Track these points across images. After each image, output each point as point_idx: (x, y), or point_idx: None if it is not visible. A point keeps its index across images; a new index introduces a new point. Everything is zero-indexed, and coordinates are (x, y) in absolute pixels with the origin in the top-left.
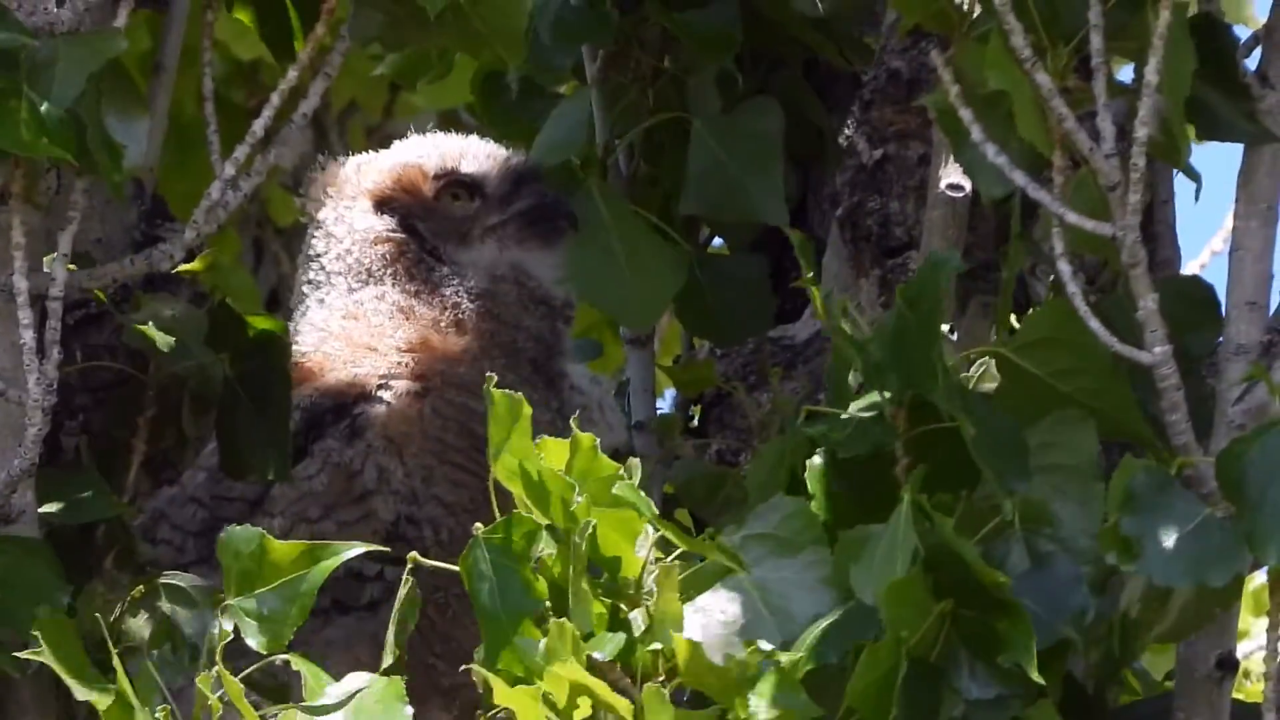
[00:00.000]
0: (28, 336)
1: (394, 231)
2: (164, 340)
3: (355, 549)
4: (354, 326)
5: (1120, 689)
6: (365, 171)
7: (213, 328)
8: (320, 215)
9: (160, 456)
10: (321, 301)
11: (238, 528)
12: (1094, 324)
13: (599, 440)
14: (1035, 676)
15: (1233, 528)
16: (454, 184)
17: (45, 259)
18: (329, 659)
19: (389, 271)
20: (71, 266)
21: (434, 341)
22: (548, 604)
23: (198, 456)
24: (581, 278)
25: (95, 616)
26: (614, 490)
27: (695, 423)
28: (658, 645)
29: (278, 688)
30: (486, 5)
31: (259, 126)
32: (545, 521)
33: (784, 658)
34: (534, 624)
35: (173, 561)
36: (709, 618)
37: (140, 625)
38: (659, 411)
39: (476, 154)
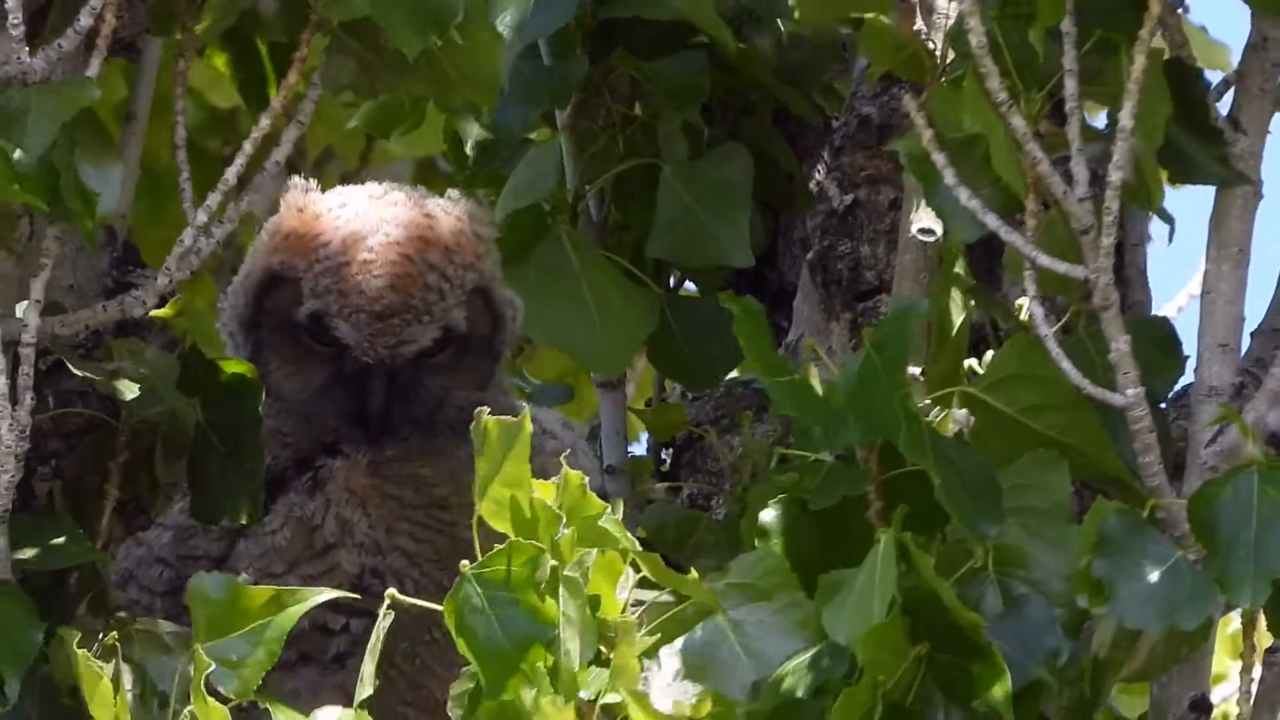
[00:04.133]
0: (0, 382)
1: None
2: (129, 390)
3: (323, 595)
4: None
5: None
6: None
7: (184, 373)
8: None
9: (133, 502)
10: None
11: (206, 575)
12: (1066, 365)
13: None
14: (1009, 719)
15: (1204, 570)
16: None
17: (17, 306)
18: (301, 711)
19: None
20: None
21: None
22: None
23: (170, 502)
24: (550, 324)
25: (68, 662)
26: (601, 522)
27: (667, 466)
28: (615, 697)
29: None
30: (459, 52)
31: (232, 174)
32: (544, 547)
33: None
34: (544, 649)
35: None
36: (686, 658)
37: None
38: (631, 455)
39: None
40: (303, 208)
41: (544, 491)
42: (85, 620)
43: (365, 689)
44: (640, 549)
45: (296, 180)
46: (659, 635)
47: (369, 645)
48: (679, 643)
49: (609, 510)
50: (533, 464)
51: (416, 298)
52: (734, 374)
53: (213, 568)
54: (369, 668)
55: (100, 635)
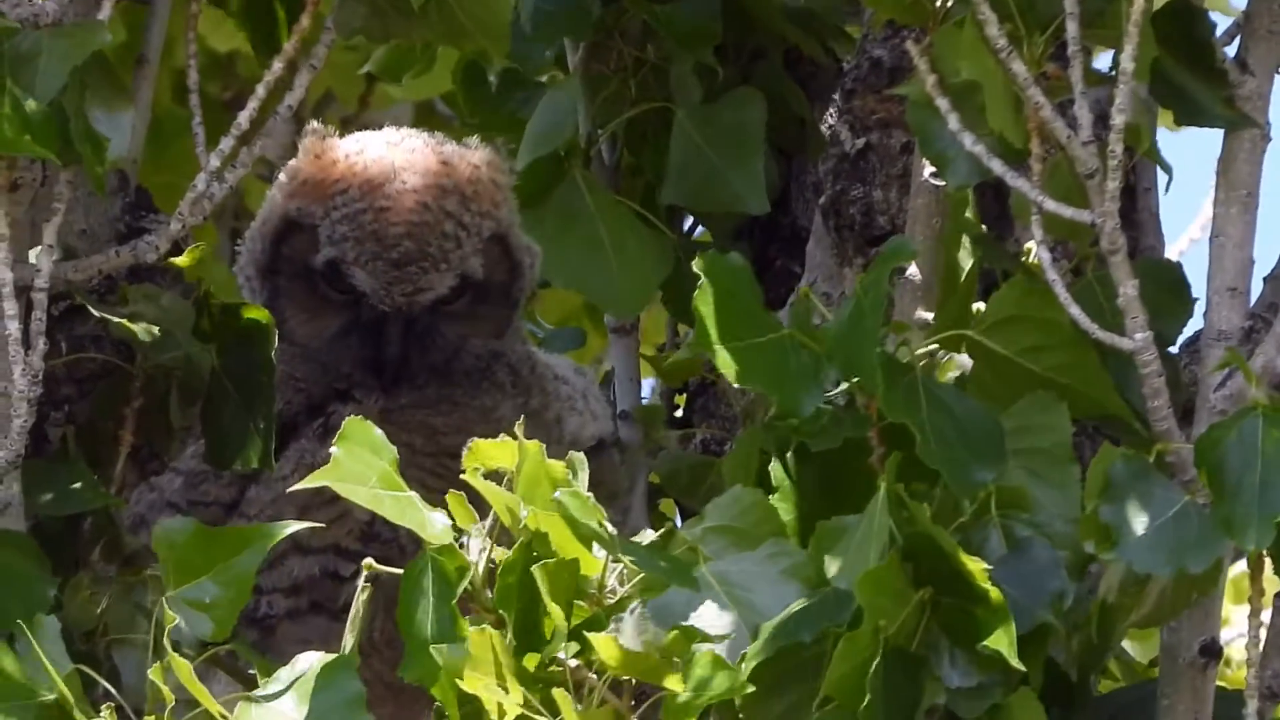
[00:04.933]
0: (13, 328)
1: None
2: (146, 332)
3: (289, 527)
4: None
5: (1103, 676)
6: None
7: (199, 318)
8: None
9: (147, 447)
10: None
11: (170, 519)
12: (1074, 310)
13: (585, 429)
14: (1015, 663)
15: (1211, 514)
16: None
17: (30, 251)
18: None
19: None
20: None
21: None
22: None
23: (184, 447)
24: (568, 266)
25: (82, 607)
26: (557, 498)
27: (680, 412)
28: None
29: (242, 672)
30: None
31: (244, 118)
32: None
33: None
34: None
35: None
36: (671, 611)
37: (127, 617)
38: (643, 401)
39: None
40: (320, 154)
41: (505, 455)
42: (99, 565)
43: (347, 643)
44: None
45: (314, 125)
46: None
47: (349, 618)
48: (665, 596)
49: (571, 479)
50: (548, 411)
51: (434, 245)
52: None
53: (223, 513)
54: (348, 640)
55: (113, 580)
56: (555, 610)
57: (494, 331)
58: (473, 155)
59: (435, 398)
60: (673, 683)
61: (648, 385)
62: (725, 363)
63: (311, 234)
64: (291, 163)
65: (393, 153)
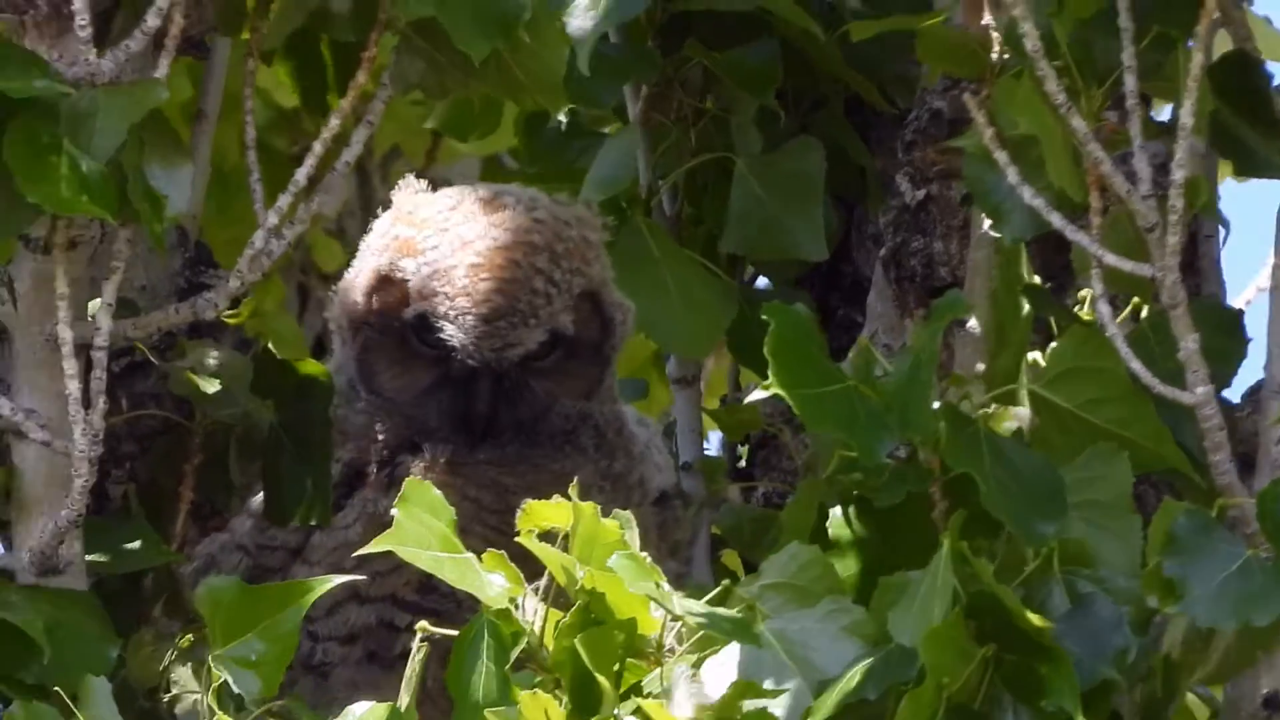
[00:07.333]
0: (73, 387)
1: None
2: (209, 385)
3: (332, 581)
4: None
5: None
6: None
7: (258, 374)
8: None
9: (207, 504)
10: None
11: (214, 578)
12: (1136, 365)
13: (652, 481)
14: (1080, 719)
15: (1275, 567)
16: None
17: (90, 307)
18: None
19: None
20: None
21: None
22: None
23: (244, 502)
24: (634, 311)
25: (145, 665)
26: (612, 564)
27: (742, 464)
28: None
29: None
30: (527, 54)
31: (302, 175)
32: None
33: (787, 704)
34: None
35: None
36: (731, 669)
37: (189, 674)
38: (706, 453)
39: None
40: (412, 210)
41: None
42: (161, 622)
43: (403, 699)
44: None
45: (409, 180)
46: (700, 651)
47: (404, 676)
48: (721, 655)
49: (625, 535)
50: (632, 474)
51: (523, 301)
52: None
53: (289, 557)
54: (405, 699)
55: (175, 638)
56: (602, 680)
57: (585, 390)
58: (565, 212)
59: (514, 457)
60: None
61: (711, 438)
62: (798, 407)
63: (401, 288)
64: (383, 218)
65: (484, 209)
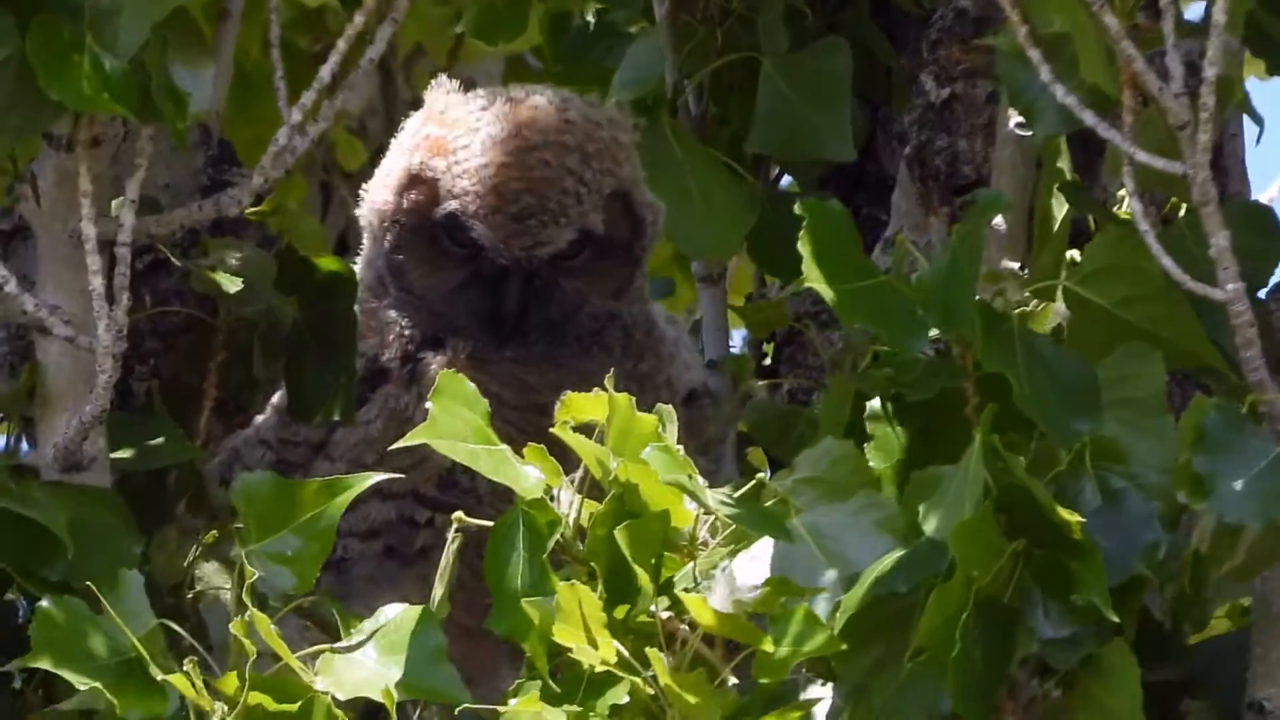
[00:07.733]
0: (97, 283)
1: None
2: (231, 284)
3: (371, 478)
4: None
5: (1197, 626)
6: None
7: (281, 271)
8: None
9: (231, 400)
10: None
11: (249, 473)
12: (1166, 261)
13: (681, 379)
14: (1109, 614)
15: None
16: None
17: (113, 204)
18: (379, 602)
19: None
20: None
21: None
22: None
23: (268, 399)
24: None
25: (169, 562)
26: (645, 455)
27: (768, 362)
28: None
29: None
30: None
31: (325, 72)
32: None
33: (823, 599)
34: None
35: None
36: (763, 563)
37: (214, 570)
38: (732, 351)
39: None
40: (444, 109)
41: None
42: (185, 520)
43: (435, 603)
44: (726, 449)
45: (441, 80)
46: (732, 545)
47: (439, 569)
48: (753, 549)
49: (660, 432)
50: (660, 374)
51: (553, 200)
52: None
53: (311, 453)
54: (439, 591)
55: (199, 534)
56: (640, 572)
57: (615, 290)
58: (596, 113)
59: (538, 356)
60: (765, 642)
61: (736, 335)
62: (833, 301)
63: (432, 187)
64: (414, 117)
65: (515, 109)
